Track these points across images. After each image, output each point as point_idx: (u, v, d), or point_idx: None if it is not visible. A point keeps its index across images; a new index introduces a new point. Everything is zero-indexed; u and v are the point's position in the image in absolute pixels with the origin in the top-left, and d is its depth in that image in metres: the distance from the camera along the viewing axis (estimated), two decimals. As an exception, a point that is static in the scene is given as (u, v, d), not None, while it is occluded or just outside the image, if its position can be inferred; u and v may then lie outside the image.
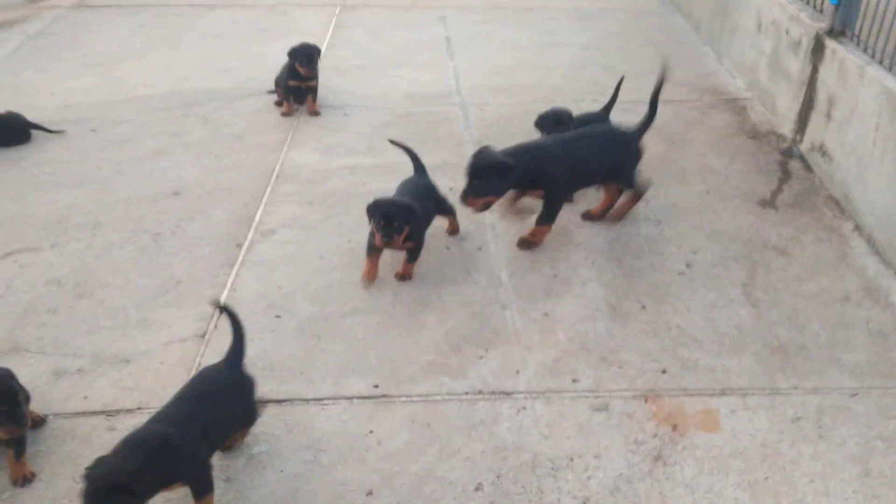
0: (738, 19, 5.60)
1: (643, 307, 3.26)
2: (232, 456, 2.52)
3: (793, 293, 3.38)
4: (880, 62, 3.84)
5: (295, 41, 5.05)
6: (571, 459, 2.54)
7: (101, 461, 2.03)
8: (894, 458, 2.57)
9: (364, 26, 6.61)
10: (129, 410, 2.69)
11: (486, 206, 3.39)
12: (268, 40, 6.21)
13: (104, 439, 2.56)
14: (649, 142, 4.03)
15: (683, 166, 4.40)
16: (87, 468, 2.01)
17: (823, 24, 4.38)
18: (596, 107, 4.39)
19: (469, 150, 3.80)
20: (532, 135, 4.01)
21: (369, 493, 2.41)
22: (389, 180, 3.73)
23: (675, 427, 2.67)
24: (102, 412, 2.69)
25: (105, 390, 2.78)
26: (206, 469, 2.25)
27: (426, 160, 3.76)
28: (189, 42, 6.28)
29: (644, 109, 3.75)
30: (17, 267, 3.46)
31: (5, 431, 2.33)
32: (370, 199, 3.27)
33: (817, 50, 4.37)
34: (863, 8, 4.14)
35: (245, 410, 2.47)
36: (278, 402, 2.74)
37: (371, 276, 3.31)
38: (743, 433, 2.66)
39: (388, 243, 3.18)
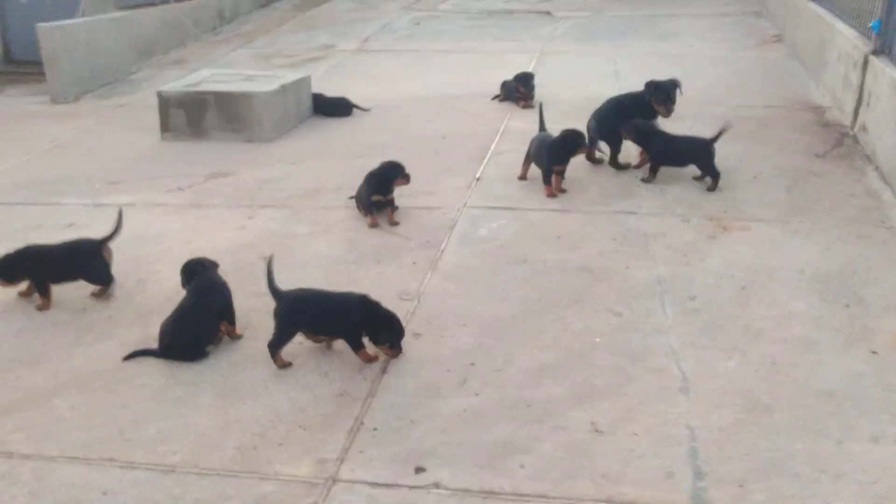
0: (828, 55, 7.83)
1: (720, 190, 5.59)
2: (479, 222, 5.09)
3: (817, 191, 5.57)
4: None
5: (508, 73, 7.88)
6: (665, 234, 4.91)
7: None
8: (837, 255, 4.75)
9: (556, 64, 9.30)
10: (436, 208, 5.34)
11: None
12: (489, 70, 9.00)
13: (425, 216, 5.22)
14: (745, 124, 6.40)
15: (767, 137, 6.67)
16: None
17: (870, 48, 6.59)
18: (718, 109, 6.76)
19: (584, 110, 6.30)
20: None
21: (558, 237, 4.90)
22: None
23: (724, 228, 4.99)
24: (424, 208, 5.36)
25: (424, 202, 5.46)
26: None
27: (558, 111, 6.31)
28: (436, 70, 9.22)
29: (747, 113, 5.99)
30: (364, 161, 6.27)
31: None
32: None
33: (865, 64, 6.58)
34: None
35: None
36: (507, 208, 5.30)
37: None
38: (762, 233, 4.92)
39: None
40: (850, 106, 6.90)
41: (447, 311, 4.10)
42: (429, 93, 8.26)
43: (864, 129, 6.43)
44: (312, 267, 4.60)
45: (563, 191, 5.56)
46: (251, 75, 7.51)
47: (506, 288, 4.32)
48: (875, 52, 6.49)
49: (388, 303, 4.15)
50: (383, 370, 3.64)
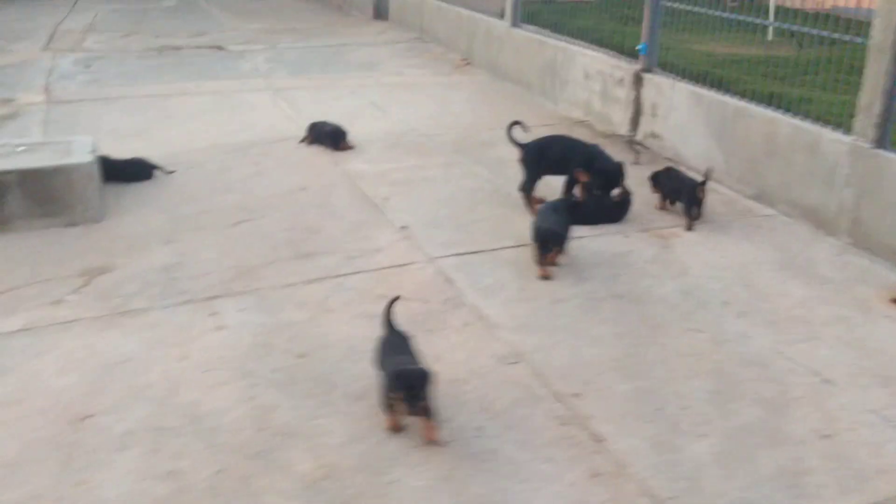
0: (567, 75, 8.85)
1: (612, 205, 6.09)
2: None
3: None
4: (681, 79, 7.16)
5: (259, 115, 8.13)
6: (630, 252, 5.24)
7: None
8: (765, 245, 5.58)
9: (305, 101, 8.89)
10: (405, 265, 4.95)
11: None
12: (244, 112, 8.36)
13: (404, 274, 4.82)
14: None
15: (581, 152, 7.36)
16: None
17: (639, 66, 7.67)
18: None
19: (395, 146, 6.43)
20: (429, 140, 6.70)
21: (555, 270, 4.92)
22: (409, 170, 6.35)
23: (663, 237, 5.48)
24: (392, 266, 4.93)
25: (381, 260, 5.01)
26: None
27: (377, 150, 6.36)
28: (183, 118, 8.19)
29: (536, 133, 6.26)
30: (249, 227, 5.48)
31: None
32: (413, 180, 5.76)
33: (637, 81, 7.64)
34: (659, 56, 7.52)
35: None
36: (474, 252, 5.15)
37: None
38: (693, 238, 5.51)
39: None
40: (619, 117, 7.93)
41: (568, 365, 3.93)
42: (210, 143, 7.38)
43: (654, 136, 7.48)
44: (365, 351, 3.99)
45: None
46: (20, 143, 5.96)
47: (583, 328, 4.27)
48: (644, 70, 7.59)
49: (495, 371, 3.88)
50: (596, 439, 3.40)
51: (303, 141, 7.37)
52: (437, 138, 7.61)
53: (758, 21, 6.96)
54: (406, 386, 3.23)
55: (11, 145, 5.89)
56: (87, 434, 3.33)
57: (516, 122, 6.05)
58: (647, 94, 7.51)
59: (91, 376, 3.73)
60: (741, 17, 7.25)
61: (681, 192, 5.82)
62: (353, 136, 7.41)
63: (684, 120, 7.03)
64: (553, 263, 4.90)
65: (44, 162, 5.41)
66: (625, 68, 7.80)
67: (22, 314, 4.29)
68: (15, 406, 3.52)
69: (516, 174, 6.16)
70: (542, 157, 5.82)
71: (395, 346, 3.56)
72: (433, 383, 3.29)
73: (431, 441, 3.30)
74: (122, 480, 3.07)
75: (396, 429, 3.38)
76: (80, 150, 5.72)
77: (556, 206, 5.13)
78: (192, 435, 3.33)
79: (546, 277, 4.81)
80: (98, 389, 3.62)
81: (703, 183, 5.66)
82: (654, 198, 6.06)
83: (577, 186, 5.83)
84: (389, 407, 3.34)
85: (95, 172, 5.56)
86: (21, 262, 4.91)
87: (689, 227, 5.62)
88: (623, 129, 7.90)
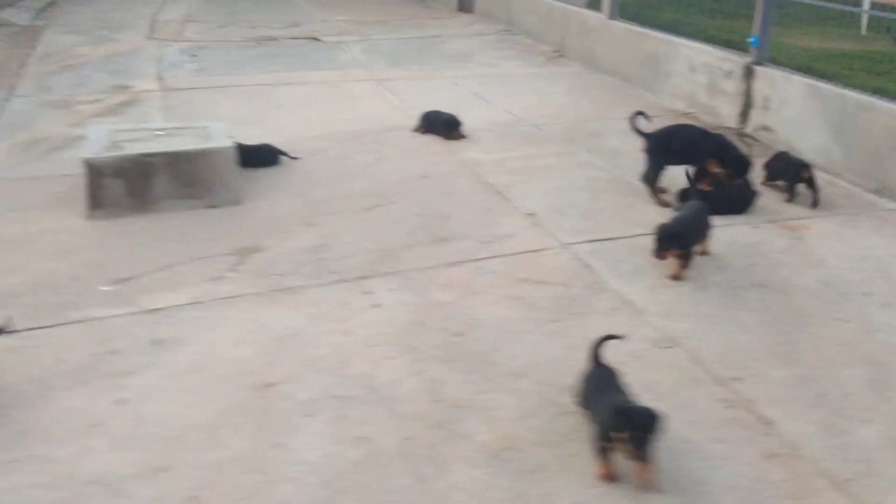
0: (670, 67, 8.84)
1: (734, 196, 6.10)
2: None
3: (794, 187, 6.38)
4: (795, 72, 7.11)
5: (367, 104, 8.32)
6: (761, 243, 5.26)
7: None
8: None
9: (411, 92, 9.01)
10: (540, 250, 5.06)
11: None
12: (352, 102, 8.56)
13: (541, 259, 4.93)
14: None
15: (692, 144, 7.37)
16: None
17: (750, 59, 7.64)
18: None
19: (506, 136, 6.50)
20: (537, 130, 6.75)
21: (689, 259, 4.98)
22: (524, 159, 6.49)
23: (793, 229, 5.49)
24: (528, 252, 5.05)
25: (513, 246, 5.13)
26: None
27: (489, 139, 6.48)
28: (293, 107, 8.41)
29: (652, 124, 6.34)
30: (382, 213, 5.64)
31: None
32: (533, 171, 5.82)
33: (748, 74, 7.61)
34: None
35: None
36: (607, 239, 5.23)
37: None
38: (824, 229, 5.50)
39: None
40: (729, 110, 7.91)
41: (723, 351, 4.00)
42: (325, 131, 7.56)
43: (765, 129, 7.45)
44: (517, 332, 4.11)
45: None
46: (160, 128, 6.23)
47: (730, 315, 4.33)
48: (756, 63, 7.56)
49: (651, 354, 3.95)
50: (765, 422, 3.46)
51: (416, 130, 7.51)
52: (545, 128, 7.69)
53: (882, 14, 6.85)
54: (634, 426, 2.91)
55: (150, 130, 6.16)
56: (274, 401, 3.52)
57: (640, 112, 6.09)
58: (759, 87, 7.49)
59: (265, 348, 3.92)
60: (854, 10, 7.17)
61: (785, 173, 5.97)
62: (468, 126, 7.52)
63: (799, 113, 6.99)
64: (675, 256, 4.71)
65: (188, 146, 5.65)
66: (734, 61, 7.78)
67: (186, 289, 4.52)
68: (200, 374, 3.73)
69: (632, 164, 6.25)
70: (667, 147, 5.85)
71: (605, 382, 3.28)
72: (662, 425, 3.00)
73: (647, 485, 3.00)
74: (317, 444, 3.25)
75: (611, 478, 3.03)
76: (217, 135, 5.95)
77: (700, 207, 5.05)
78: (374, 404, 3.49)
79: (676, 278, 4.72)
80: (274, 360, 3.82)
81: (806, 165, 5.96)
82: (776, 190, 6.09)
83: (703, 177, 5.87)
84: (604, 450, 3.01)
85: (235, 156, 5.77)
86: (174, 241, 5.14)
87: (789, 200, 5.93)
88: (731, 121, 7.88)
